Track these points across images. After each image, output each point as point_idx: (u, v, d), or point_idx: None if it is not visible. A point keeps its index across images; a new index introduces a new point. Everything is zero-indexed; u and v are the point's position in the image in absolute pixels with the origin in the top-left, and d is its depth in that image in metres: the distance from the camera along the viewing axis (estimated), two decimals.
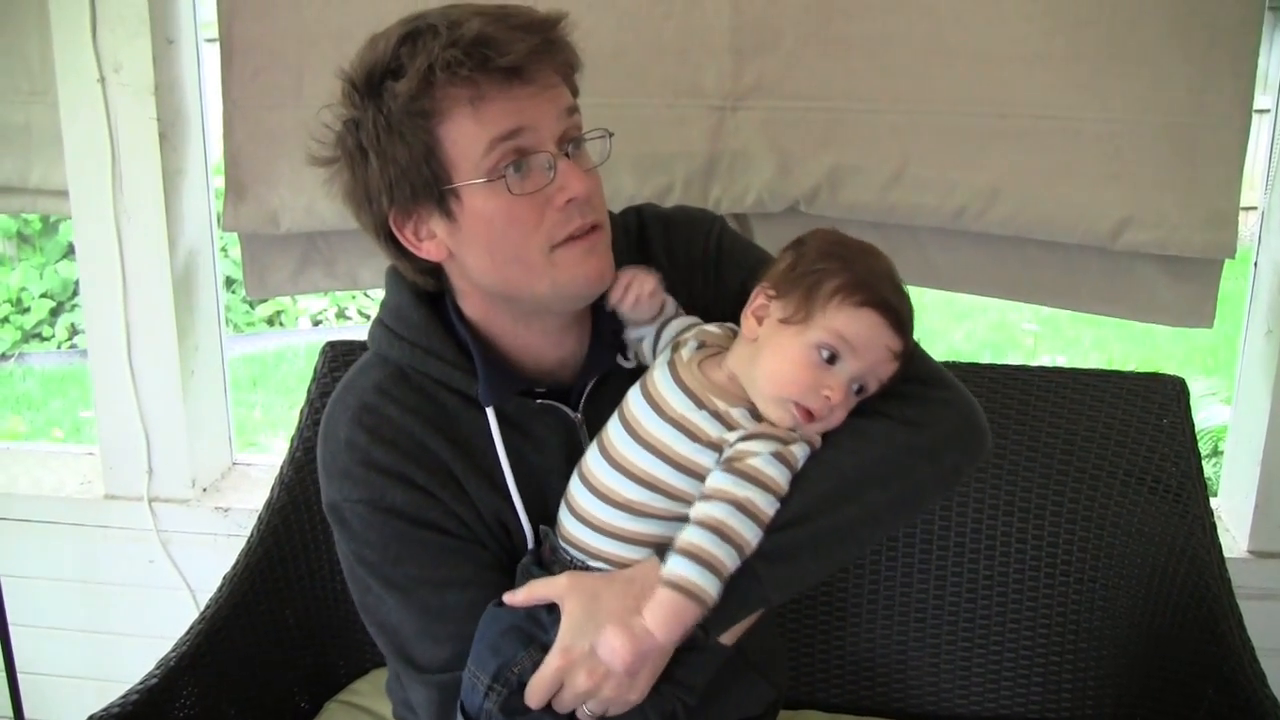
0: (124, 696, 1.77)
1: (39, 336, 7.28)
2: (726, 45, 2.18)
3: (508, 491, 1.54)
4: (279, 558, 2.10)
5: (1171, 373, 2.12)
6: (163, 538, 2.65)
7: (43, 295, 7.24)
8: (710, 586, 1.35)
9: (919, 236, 2.30)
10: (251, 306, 7.36)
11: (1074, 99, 2.14)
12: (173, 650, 1.91)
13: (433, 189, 1.43)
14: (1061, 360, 6.26)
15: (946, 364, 2.09)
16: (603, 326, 1.58)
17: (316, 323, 7.60)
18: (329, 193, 2.32)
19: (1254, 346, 2.37)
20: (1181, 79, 2.11)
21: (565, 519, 1.51)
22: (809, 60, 2.20)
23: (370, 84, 1.43)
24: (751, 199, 2.24)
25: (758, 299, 1.48)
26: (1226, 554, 2.02)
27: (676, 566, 1.36)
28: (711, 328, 1.55)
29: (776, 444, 1.40)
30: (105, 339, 2.55)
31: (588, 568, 1.49)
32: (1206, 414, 4.52)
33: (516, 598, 1.46)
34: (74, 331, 7.08)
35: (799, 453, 1.42)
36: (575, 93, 1.51)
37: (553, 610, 1.44)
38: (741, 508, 1.37)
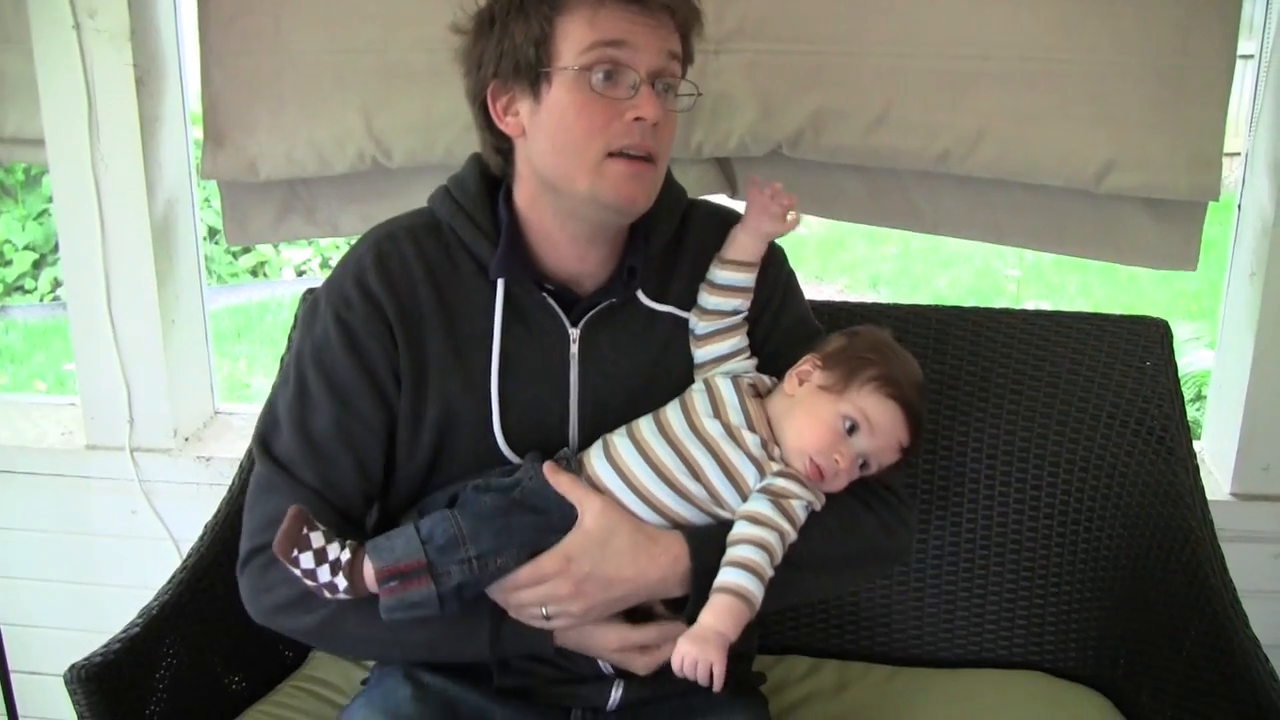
0: (106, 645, 1.77)
1: (21, 289, 7.24)
2: None
3: (475, 363, 1.68)
4: None
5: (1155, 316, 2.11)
6: (145, 487, 2.65)
7: (25, 247, 7.19)
8: (760, 593, 1.56)
9: (903, 180, 2.29)
10: (235, 258, 7.32)
11: (1058, 41, 2.14)
12: (155, 599, 1.91)
13: (532, 70, 1.59)
14: (1046, 307, 6.26)
15: (932, 308, 2.10)
16: (626, 262, 1.72)
17: (300, 273, 7.57)
18: (308, 139, 2.32)
19: (1237, 288, 2.37)
20: (1167, 21, 2.10)
21: (599, 465, 1.64)
22: (792, 3, 2.19)
23: None
24: (734, 142, 2.23)
25: (804, 365, 1.69)
26: (1209, 496, 2.02)
27: (738, 578, 1.55)
28: (765, 377, 1.75)
29: (810, 497, 1.63)
30: (84, 288, 2.54)
31: None
32: (1191, 358, 4.53)
33: (560, 481, 1.60)
34: (56, 284, 7.04)
35: (815, 506, 1.65)
36: (689, 55, 1.68)
37: (565, 527, 1.59)
38: (782, 538, 1.59)
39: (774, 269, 1.79)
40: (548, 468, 1.61)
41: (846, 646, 2.16)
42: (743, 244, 1.72)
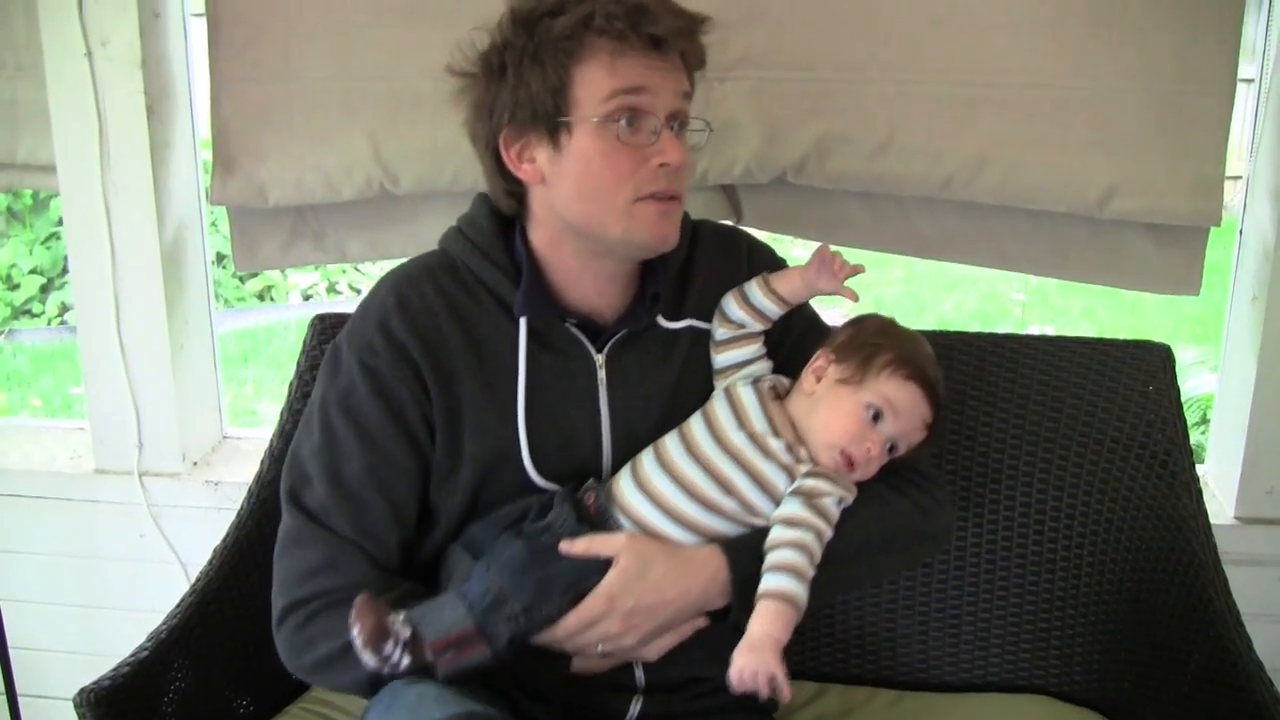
0: (114, 669, 1.77)
1: (29, 313, 7.25)
2: (713, 16, 2.17)
3: (506, 397, 1.69)
4: (269, 530, 2.08)
5: (1158, 340, 2.12)
6: (153, 511, 2.65)
7: (32, 271, 7.21)
8: (804, 593, 1.58)
9: (906, 206, 2.30)
10: (242, 282, 7.33)
11: (1061, 67, 2.15)
12: (164, 623, 1.91)
13: (550, 118, 1.61)
14: (1050, 330, 6.26)
15: (937, 333, 2.11)
16: (647, 289, 1.76)
17: (307, 297, 7.57)
18: (316, 165, 2.34)
19: (1239, 313, 2.38)
20: (1168, 46, 2.11)
21: (629, 492, 1.67)
22: (796, 30, 2.20)
23: (530, 18, 1.62)
24: (739, 169, 2.24)
25: (819, 360, 1.73)
26: (1213, 520, 2.02)
27: (781, 582, 1.57)
28: (783, 379, 1.78)
29: (841, 492, 1.65)
30: (94, 312, 2.54)
31: None
32: (1195, 382, 4.51)
33: (575, 548, 1.60)
34: (64, 308, 7.05)
35: (847, 500, 1.67)
36: (693, 87, 1.72)
37: (603, 569, 1.59)
38: (819, 537, 1.61)
39: None
40: (563, 545, 1.60)
41: (851, 671, 2.16)
42: (794, 287, 1.77)
